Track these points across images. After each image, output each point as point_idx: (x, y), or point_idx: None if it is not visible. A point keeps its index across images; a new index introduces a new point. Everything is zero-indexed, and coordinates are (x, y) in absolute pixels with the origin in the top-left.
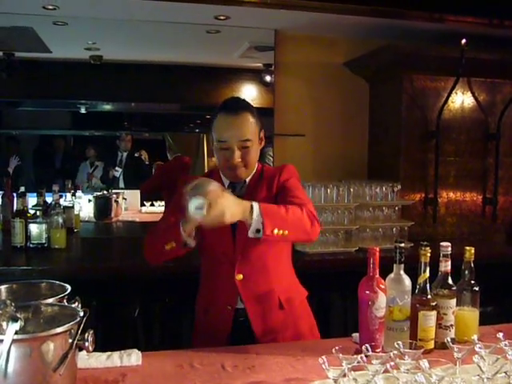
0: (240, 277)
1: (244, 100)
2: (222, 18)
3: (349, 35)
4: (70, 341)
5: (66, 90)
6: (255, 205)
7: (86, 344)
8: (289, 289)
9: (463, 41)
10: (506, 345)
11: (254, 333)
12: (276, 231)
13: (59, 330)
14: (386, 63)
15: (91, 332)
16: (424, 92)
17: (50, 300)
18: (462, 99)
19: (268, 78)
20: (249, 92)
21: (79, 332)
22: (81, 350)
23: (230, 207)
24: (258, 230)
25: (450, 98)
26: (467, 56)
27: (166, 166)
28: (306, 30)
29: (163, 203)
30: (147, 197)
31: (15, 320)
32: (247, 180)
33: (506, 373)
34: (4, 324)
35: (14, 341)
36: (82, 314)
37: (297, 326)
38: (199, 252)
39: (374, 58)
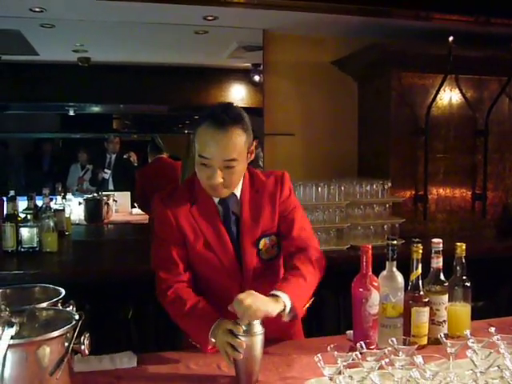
0: None
1: (235, 109)
2: (210, 18)
3: (336, 34)
4: (66, 344)
5: (54, 93)
6: (286, 299)
7: (82, 347)
8: None
9: (450, 38)
10: (498, 339)
11: None
12: (305, 308)
13: (55, 334)
14: (373, 61)
15: (87, 335)
16: (412, 89)
17: (44, 304)
18: (449, 96)
19: (257, 78)
20: (238, 92)
21: (75, 335)
22: (76, 353)
23: (267, 307)
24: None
25: (438, 95)
26: (454, 53)
27: (145, 169)
28: (293, 29)
29: None
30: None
31: (11, 325)
32: (238, 194)
33: (498, 366)
34: None
35: (9, 346)
36: (77, 317)
37: (297, 332)
38: (196, 278)
39: (361, 57)
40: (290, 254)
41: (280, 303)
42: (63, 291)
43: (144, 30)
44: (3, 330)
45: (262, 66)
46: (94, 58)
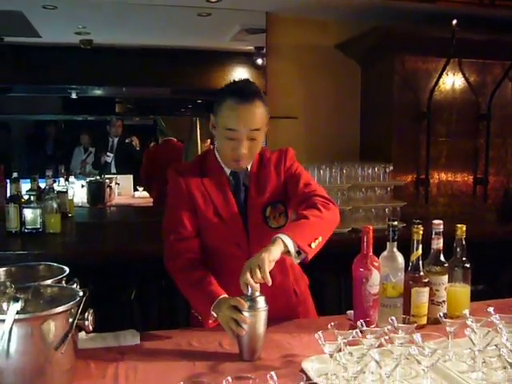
0: None
1: (254, 84)
2: (213, 0)
3: (340, 17)
4: (71, 320)
5: (56, 75)
6: (284, 237)
7: (86, 323)
8: (298, 275)
9: (454, 21)
10: (496, 318)
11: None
12: (313, 244)
13: (60, 309)
14: (376, 45)
15: (91, 311)
16: (415, 73)
17: (49, 281)
18: (452, 80)
19: (260, 61)
20: (240, 75)
21: (79, 311)
22: (80, 330)
23: (268, 256)
24: (298, 252)
25: (441, 79)
26: (458, 36)
27: (153, 149)
28: (297, 12)
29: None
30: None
31: (16, 300)
32: (248, 167)
33: (496, 345)
34: (4, 305)
35: (15, 320)
36: (81, 293)
37: (306, 310)
38: (205, 248)
39: (364, 40)
40: (297, 208)
41: (279, 244)
42: (67, 269)
43: (147, 12)
44: (9, 305)
45: (264, 49)
46: (96, 41)
